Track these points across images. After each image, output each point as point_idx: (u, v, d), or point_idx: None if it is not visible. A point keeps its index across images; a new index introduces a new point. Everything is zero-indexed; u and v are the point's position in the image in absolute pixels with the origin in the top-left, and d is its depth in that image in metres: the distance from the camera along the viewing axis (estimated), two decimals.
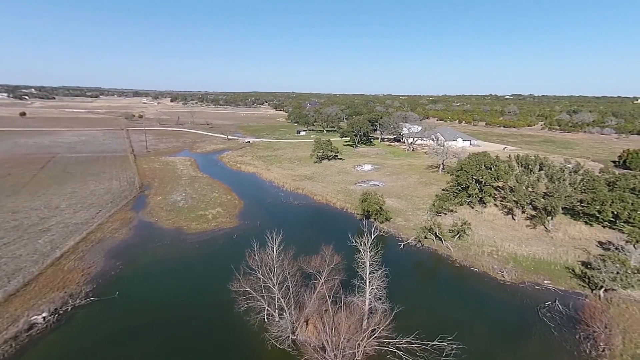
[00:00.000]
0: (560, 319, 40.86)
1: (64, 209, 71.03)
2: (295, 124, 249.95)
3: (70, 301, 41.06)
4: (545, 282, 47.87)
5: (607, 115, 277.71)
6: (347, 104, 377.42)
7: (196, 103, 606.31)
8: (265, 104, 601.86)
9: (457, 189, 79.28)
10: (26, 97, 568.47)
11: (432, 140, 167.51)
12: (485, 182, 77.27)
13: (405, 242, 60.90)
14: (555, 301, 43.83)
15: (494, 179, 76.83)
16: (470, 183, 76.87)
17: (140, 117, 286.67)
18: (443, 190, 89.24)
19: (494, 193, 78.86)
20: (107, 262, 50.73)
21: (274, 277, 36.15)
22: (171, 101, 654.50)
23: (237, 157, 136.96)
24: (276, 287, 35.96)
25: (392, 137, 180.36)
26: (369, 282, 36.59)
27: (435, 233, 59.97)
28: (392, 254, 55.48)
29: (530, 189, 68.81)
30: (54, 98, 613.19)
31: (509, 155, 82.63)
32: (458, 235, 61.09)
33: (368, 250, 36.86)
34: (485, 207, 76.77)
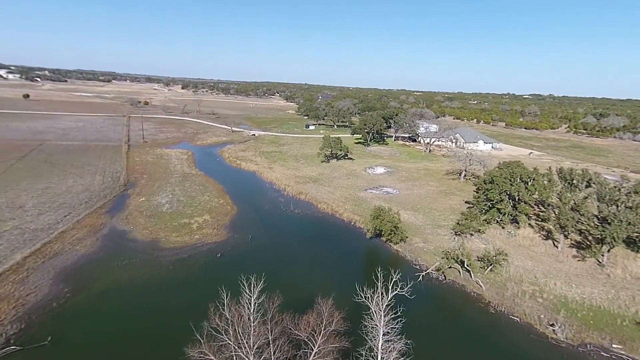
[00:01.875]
0: None
1: (28, 210, 61.55)
2: (305, 117, 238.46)
3: None
4: (613, 346, 36.37)
5: (639, 121, 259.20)
6: (360, 98, 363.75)
7: (206, 91, 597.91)
8: (277, 94, 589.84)
9: (485, 204, 67.45)
10: (38, 79, 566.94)
11: (451, 141, 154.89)
12: (520, 199, 65.36)
13: (424, 273, 49.76)
14: None
15: (531, 195, 64.84)
16: (503, 199, 65.02)
17: (146, 103, 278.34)
18: (468, 204, 77.40)
19: (531, 212, 66.83)
20: (54, 288, 40.82)
21: (249, 343, 25.59)
22: (182, 88, 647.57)
23: (238, 151, 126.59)
24: (251, 357, 25.42)
25: (407, 136, 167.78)
26: (382, 357, 25.75)
27: (464, 263, 48.72)
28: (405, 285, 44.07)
29: (577, 211, 56.85)
30: (66, 81, 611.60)
31: (549, 168, 70.36)
32: (490, 268, 49.72)
33: (383, 314, 25.92)
34: (518, 228, 64.94)
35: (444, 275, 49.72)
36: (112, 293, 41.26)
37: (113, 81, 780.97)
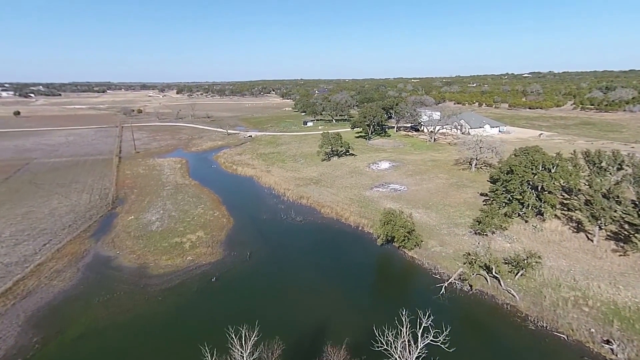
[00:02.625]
0: None
1: (4, 240, 56.06)
2: (303, 114, 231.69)
3: None
4: None
5: None
6: (357, 89, 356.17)
7: (201, 94, 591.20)
8: (273, 92, 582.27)
9: (504, 197, 61.16)
10: (32, 95, 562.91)
11: (456, 128, 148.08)
12: (543, 188, 59.05)
13: (446, 283, 43.76)
14: None
15: (555, 183, 58.44)
16: (525, 190, 58.70)
17: (140, 112, 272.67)
18: (483, 197, 71.11)
19: (557, 203, 60.42)
20: (21, 337, 35.28)
21: None
22: (177, 93, 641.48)
23: (234, 155, 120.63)
24: None
25: (410, 126, 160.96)
26: None
27: (491, 269, 42.71)
28: (428, 303, 37.61)
29: (611, 198, 50.48)
30: (60, 95, 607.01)
31: (574, 152, 63.78)
32: (521, 273, 43.66)
33: None
34: (544, 221, 58.67)
35: (470, 285, 43.74)
36: (89, 337, 35.64)
37: (108, 91, 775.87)
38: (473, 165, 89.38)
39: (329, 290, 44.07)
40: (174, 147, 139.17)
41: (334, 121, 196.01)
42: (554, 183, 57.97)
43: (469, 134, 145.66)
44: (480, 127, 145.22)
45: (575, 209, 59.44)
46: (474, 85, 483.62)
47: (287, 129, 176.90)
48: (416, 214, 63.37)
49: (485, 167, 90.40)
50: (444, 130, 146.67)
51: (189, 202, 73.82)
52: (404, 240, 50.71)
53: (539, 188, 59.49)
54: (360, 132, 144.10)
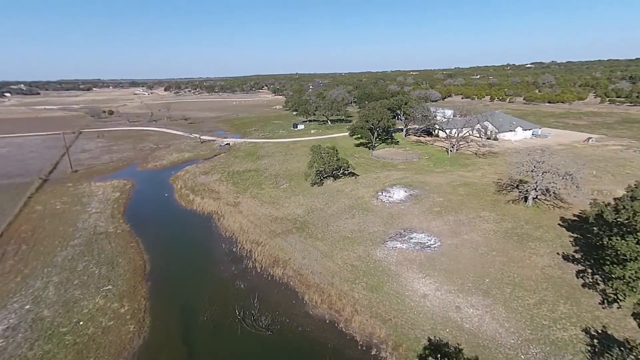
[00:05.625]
0: None
1: None
2: (294, 113, 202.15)
3: None
4: None
5: None
6: (354, 83, 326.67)
7: (190, 91, 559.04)
8: (265, 88, 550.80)
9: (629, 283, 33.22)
10: (8, 94, 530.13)
11: (478, 131, 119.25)
12: None
13: None
14: None
15: None
16: None
17: (111, 113, 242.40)
18: (573, 264, 42.70)
19: None
20: None
21: None
22: (165, 90, 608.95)
23: (199, 175, 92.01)
24: None
25: (420, 129, 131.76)
26: None
27: None
28: None
29: None
30: (39, 94, 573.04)
31: None
32: None
33: None
34: None
35: None
36: None
37: (94, 89, 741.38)
38: (530, 198, 60.91)
39: None
40: (127, 163, 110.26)
41: (329, 122, 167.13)
42: None
43: (496, 139, 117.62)
44: (511, 131, 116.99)
45: None
46: (478, 77, 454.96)
47: (274, 134, 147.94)
48: (468, 310, 35.72)
49: (546, 200, 62.24)
50: (464, 134, 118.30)
51: (90, 279, 45.32)
52: None
53: None
54: (361, 137, 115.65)
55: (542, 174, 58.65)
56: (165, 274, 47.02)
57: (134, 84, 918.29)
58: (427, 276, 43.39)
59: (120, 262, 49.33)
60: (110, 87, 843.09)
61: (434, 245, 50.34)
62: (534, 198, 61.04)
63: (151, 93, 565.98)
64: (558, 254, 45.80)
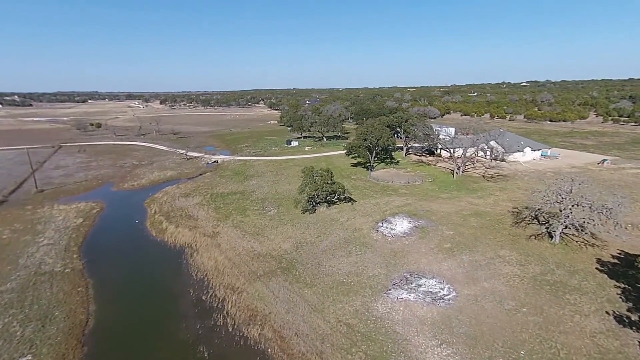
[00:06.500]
0: None
1: None
2: (289, 129, 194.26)
3: None
4: None
5: None
6: (351, 99, 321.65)
7: (185, 104, 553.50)
8: (262, 102, 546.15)
9: None
10: None
11: (484, 152, 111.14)
12: None
13: None
14: None
15: None
16: None
17: (99, 126, 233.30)
18: (627, 328, 33.36)
19: None
20: None
21: None
22: (160, 103, 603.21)
23: (178, 197, 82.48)
24: None
25: (421, 147, 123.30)
26: None
27: None
28: None
29: None
30: (32, 105, 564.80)
31: None
32: None
33: None
34: None
35: None
36: None
37: (89, 101, 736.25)
38: (557, 234, 51.82)
39: None
40: (102, 182, 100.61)
41: (325, 139, 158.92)
42: None
43: (503, 160, 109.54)
44: (519, 151, 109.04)
45: None
46: (475, 94, 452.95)
47: (266, 151, 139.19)
48: None
49: (575, 235, 53.16)
50: (468, 154, 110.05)
51: (4, 346, 35.11)
52: None
53: None
54: (358, 156, 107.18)
55: (572, 206, 49.81)
56: (110, 334, 37.06)
57: (130, 96, 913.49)
58: (443, 343, 33.82)
59: (56, 317, 39.31)
60: (106, 100, 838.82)
61: (448, 297, 40.82)
62: (560, 234, 51.99)
63: (146, 106, 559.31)
64: (607, 313, 36.43)
